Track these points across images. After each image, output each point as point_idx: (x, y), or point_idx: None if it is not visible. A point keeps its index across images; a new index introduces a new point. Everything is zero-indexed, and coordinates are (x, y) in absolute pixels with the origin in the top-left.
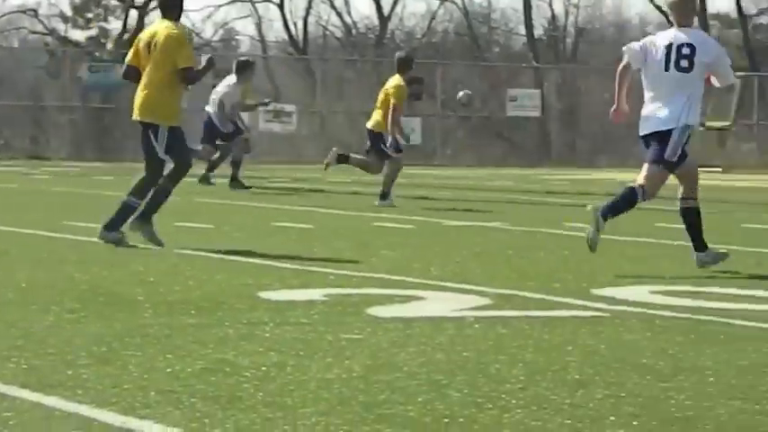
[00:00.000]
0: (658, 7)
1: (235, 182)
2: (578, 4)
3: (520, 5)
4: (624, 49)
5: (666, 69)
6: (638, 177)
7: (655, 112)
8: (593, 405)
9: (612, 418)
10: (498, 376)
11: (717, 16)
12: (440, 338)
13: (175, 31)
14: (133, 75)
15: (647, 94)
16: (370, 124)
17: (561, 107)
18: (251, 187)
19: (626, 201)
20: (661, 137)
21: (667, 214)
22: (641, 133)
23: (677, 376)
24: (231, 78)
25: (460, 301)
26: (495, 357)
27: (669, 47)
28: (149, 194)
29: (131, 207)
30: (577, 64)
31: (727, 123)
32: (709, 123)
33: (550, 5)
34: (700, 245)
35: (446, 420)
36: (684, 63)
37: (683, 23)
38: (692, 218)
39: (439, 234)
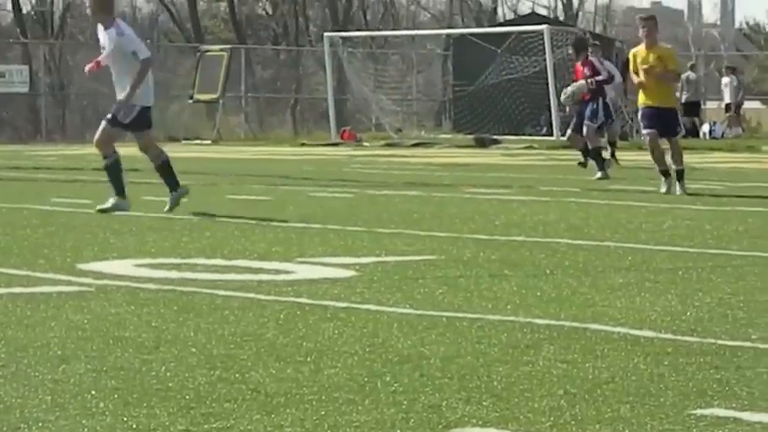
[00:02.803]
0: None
1: None
2: None
3: None
4: None
5: None
6: None
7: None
8: (75, 380)
9: (94, 392)
10: None
11: None
12: None
13: None
14: None
15: None
16: None
17: (50, 82)
18: None
19: None
20: None
21: (156, 187)
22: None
23: (159, 348)
24: None
25: None
26: None
27: None
28: None
29: None
30: (65, 39)
31: (215, 96)
32: (197, 96)
33: None
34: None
35: None
36: None
37: None
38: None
39: None
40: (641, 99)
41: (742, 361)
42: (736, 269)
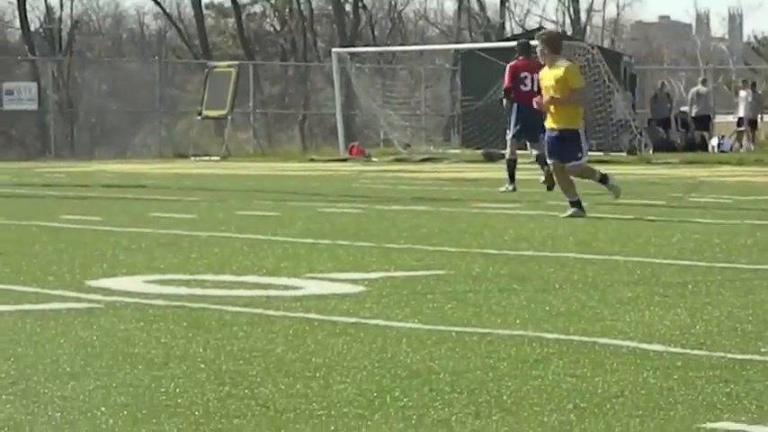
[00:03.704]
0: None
1: None
2: None
3: None
4: None
5: None
6: None
7: None
8: (84, 396)
9: (103, 408)
10: None
11: (211, 6)
12: None
13: None
14: None
15: None
16: None
17: (58, 99)
18: None
19: None
20: None
21: (163, 203)
22: None
23: (168, 364)
24: None
25: None
26: None
27: None
28: None
29: None
30: (74, 56)
31: (223, 112)
32: (206, 112)
33: None
34: None
35: None
36: None
37: None
38: None
39: None
40: (546, 121)
41: (751, 374)
42: (745, 283)
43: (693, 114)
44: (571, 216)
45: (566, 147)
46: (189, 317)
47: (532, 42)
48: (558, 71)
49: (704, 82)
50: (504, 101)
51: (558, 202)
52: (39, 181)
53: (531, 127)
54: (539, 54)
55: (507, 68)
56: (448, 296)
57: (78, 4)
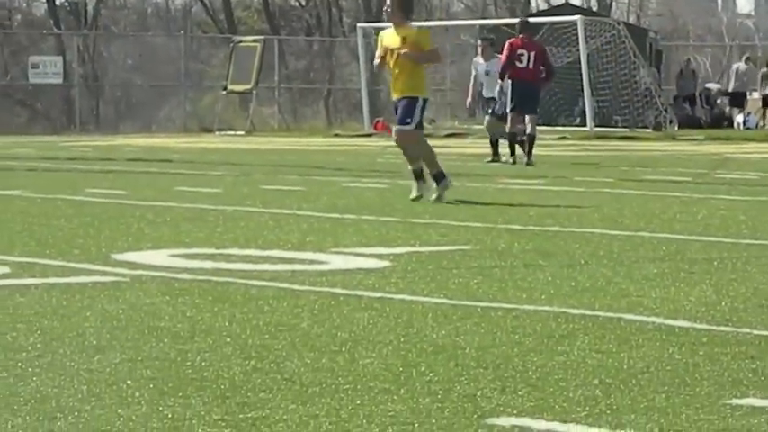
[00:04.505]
0: None
1: None
2: None
3: None
4: None
5: None
6: None
7: None
8: (110, 370)
9: (129, 381)
10: (15, 344)
11: None
12: None
13: None
14: None
15: None
16: None
17: (84, 73)
18: None
19: None
20: None
21: (188, 177)
22: None
23: (194, 338)
24: None
25: None
26: (12, 326)
27: None
28: None
29: None
30: (99, 30)
31: (248, 87)
32: (231, 87)
33: None
34: None
35: None
36: None
37: None
38: None
39: None
40: (393, 92)
41: None
42: None
43: (730, 90)
44: (439, 198)
45: (401, 111)
46: (214, 291)
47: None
48: (410, 32)
49: (748, 60)
50: (499, 80)
51: (583, 178)
52: (64, 155)
53: (525, 101)
54: (385, 13)
55: (506, 45)
56: (473, 271)
57: None
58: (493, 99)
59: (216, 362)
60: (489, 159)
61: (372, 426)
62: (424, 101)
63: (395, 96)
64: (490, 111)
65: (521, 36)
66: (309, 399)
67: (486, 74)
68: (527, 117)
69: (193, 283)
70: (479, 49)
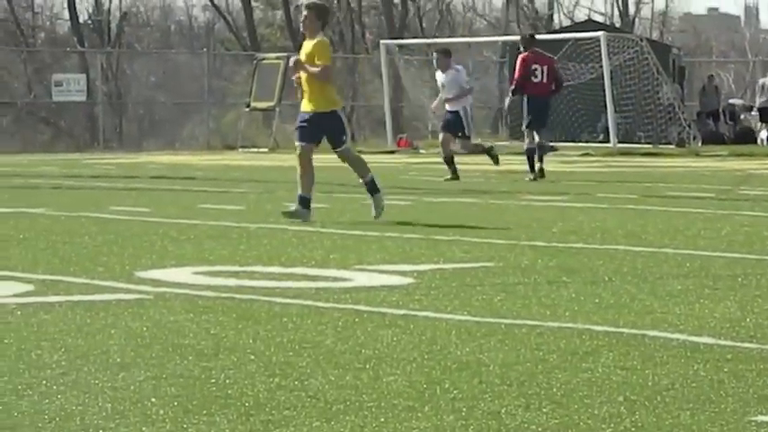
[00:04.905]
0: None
1: None
2: None
3: None
4: None
5: None
6: None
7: None
8: (135, 387)
9: (154, 399)
10: (39, 362)
11: None
12: None
13: None
14: None
15: None
16: None
17: (107, 91)
18: None
19: None
20: None
21: (211, 194)
22: None
23: (218, 355)
24: None
25: (2, 288)
26: (36, 343)
27: None
28: None
29: None
30: (122, 48)
31: (271, 104)
32: (254, 104)
33: None
34: None
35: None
36: None
37: None
38: None
39: None
40: (302, 104)
41: None
42: None
43: (758, 105)
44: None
45: (330, 131)
46: (238, 308)
47: (537, 37)
48: (310, 43)
49: None
50: (511, 95)
51: (606, 194)
52: (88, 172)
53: (539, 116)
54: (301, 23)
55: (519, 60)
56: (497, 288)
57: None
58: (455, 113)
59: (240, 379)
60: (448, 177)
61: None
62: (342, 110)
63: (307, 108)
64: (444, 125)
65: (532, 50)
66: (334, 416)
67: (443, 86)
68: (538, 129)
69: (217, 301)
70: (434, 61)
